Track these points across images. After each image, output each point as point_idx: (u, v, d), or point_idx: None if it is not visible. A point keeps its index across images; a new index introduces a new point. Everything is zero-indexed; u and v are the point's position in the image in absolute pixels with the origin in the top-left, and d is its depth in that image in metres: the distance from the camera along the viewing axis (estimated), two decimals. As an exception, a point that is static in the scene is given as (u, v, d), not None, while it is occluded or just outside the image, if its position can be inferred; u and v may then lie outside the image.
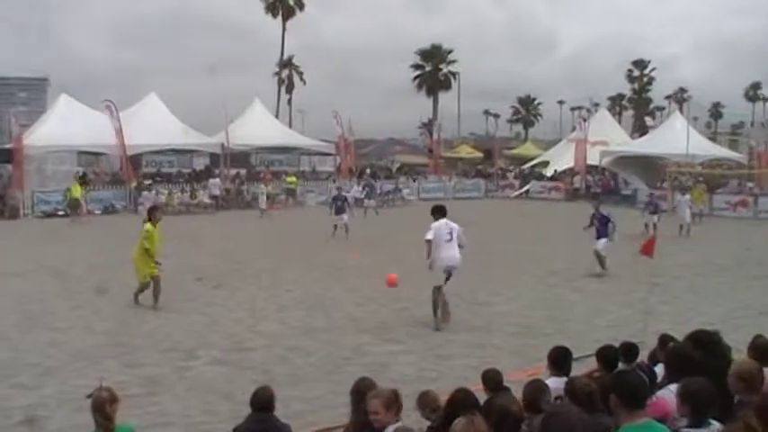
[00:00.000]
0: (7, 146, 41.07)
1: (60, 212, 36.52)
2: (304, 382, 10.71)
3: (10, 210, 35.97)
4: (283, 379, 10.67)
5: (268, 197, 40.15)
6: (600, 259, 19.78)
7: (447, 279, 14.06)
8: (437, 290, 13.99)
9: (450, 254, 13.96)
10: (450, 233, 14.03)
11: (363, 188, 40.01)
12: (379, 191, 38.39)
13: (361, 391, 5.99)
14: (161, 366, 11.54)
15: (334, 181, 47.08)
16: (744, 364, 5.36)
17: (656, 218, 28.04)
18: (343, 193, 29.71)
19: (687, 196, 31.42)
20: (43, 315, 15.07)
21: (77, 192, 35.60)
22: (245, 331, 13.73)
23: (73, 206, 35.04)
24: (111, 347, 12.58)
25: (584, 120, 57.85)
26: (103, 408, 5.54)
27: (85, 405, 5.75)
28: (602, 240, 19.98)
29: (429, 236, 14.05)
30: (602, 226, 20.11)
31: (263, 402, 6.17)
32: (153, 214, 16.93)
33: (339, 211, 27.81)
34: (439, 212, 14.52)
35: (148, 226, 16.24)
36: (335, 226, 27.32)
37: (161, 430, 8.89)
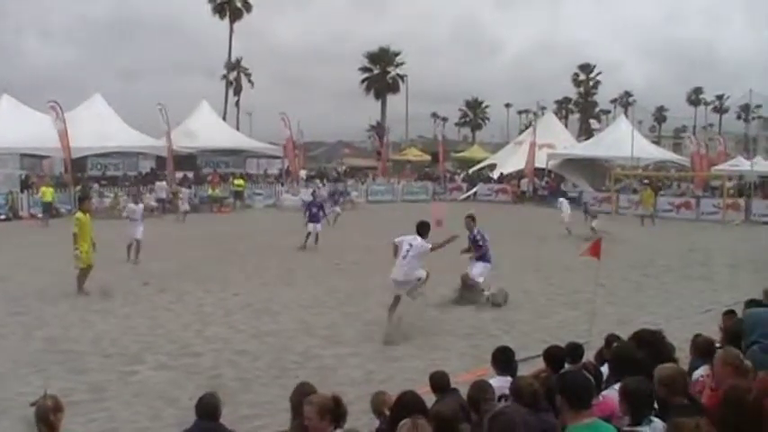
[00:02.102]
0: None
1: (2, 217, 35.84)
2: (252, 386, 10.65)
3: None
4: (231, 383, 10.62)
5: (215, 200, 39.98)
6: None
7: (398, 296, 13.82)
8: (394, 299, 13.82)
9: (396, 269, 13.81)
10: (408, 251, 13.78)
11: (332, 194, 39.61)
12: (327, 194, 37.91)
13: (302, 395, 5.97)
14: (107, 372, 11.36)
15: (282, 184, 47.01)
16: (663, 369, 5.42)
17: (594, 222, 28.94)
18: (319, 200, 28.07)
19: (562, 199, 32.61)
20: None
21: (49, 195, 35.09)
22: (192, 336, 13.59)
23: (46, 210, 34.68)
24: (55, 354, 12.36)
25: (532, 123, 58.50)
26: (47, 417, 5.44)
27: (30, 414, 5.65)
28: (481, 264, 16.68)
29: (396, 240, 14.16)
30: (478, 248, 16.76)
31: (208, 409, 6.12)
32: (83, 204, 18.91)
33: (313, 218, 26.12)
34: (422, 228, 14.24)
35: (79, 214, 17.89)
36: (308, 234, 25.72)
37: (107, 437, 8.78)
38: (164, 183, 41.67)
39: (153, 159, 47.03)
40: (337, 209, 35.02)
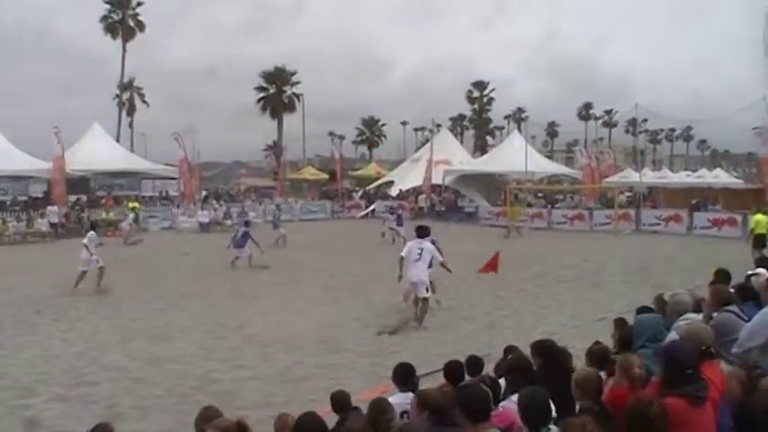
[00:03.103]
0: None
1: None
2: (152, 413, 10.43)
3: None
4: (130, 412, 10.39)
5: (109, 224, 39.04)
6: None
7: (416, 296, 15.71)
8: (413, 299, 15.80)
9: (413, 272, 15.54)
10: (420, 253, 15.59)
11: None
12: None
13: (206, 419, 5.87)
14: (-3, 406, 10.96)
15: (178, 206, 46.29)
16: (580, 371, 5.60)
17: (402, 230, 30.83)
18: (243, 229, 27.08)
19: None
20: None
21: None
22: (87, 365, 13.21)
23: None
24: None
25: (428, 140, 59.21)
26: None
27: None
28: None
29: (402, 253, 15.86)
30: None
31: None
32: None
33: (240, 245, 25.95)
34: (422, 231, 16.29)
35: None
36: (237, 257, 25.71)
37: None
38: (55, 207, 40.47)
39: (44, 183, 45.66)
40: (282, 230, 33.57)
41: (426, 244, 15.94)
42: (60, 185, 42.46)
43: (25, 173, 43.80)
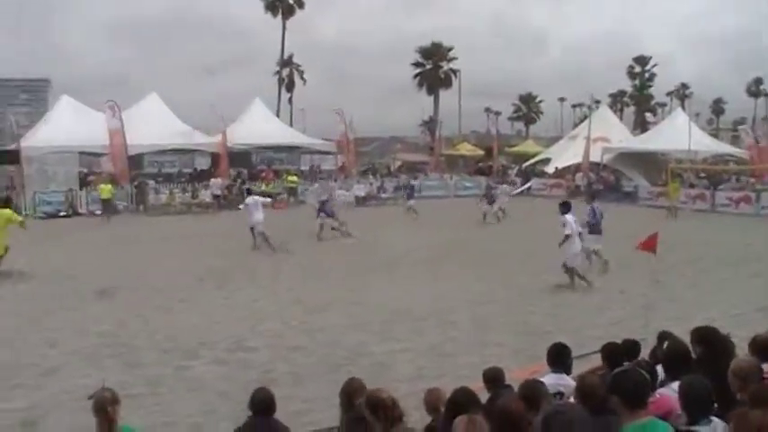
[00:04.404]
0: (9, 147, 41.14)
1: (62, 213, 36.59)
2: (304, 381, 10.69)
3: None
4: (284, 378, 10.68)
5: (270, 196, 40.27)
6: (599, 256, 19.61)
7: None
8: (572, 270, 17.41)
9: (579, 243, 17.60)
10: (577, 228, 17.53)
11: (404, 188, 39.42)
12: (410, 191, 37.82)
13: (351, 391, 5.95)
14: (162, 367, 11.53)
15: (335, 180, 47.15)
16: (739, 361, 5.31)
17: (495, 207, 31.07)
18: (323, 197, 28.93)
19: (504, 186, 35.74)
20: (43, 316, 15.07)
21: (106, 192, 35.76)
22: (246, 331, 13.70)
23: (107, 206, 35.43)
24: (112, 347, 12.58)
25: (586, 116, 57.82)
26: (105, 409, 5.50)
27: (87, 406, 5.72)
28: (593, 236, 19.53)
29: (567, 231, 17.17)
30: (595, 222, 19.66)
31: (263, 405, 6.03)
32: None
33: (324, 212, 27.38)
34: (565, 207, 17.72)
35: (8, 211, 20.73)
36: (322, 225, 26.96)
37: (163, 430, 8.87)
38: (218, 180, 42.09)
39: (208, 156, 47.49)
40: (411, 202, 35.19)
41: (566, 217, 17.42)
42: (223, 159, 44.08)
43: (191, 147, 45.72)
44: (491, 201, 31.83)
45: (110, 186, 36.74)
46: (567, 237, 17.10)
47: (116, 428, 5.55)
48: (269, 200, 26.66)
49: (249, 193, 27.40)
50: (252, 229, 24.07)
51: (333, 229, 27.03)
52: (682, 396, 4.90)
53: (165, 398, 10.11)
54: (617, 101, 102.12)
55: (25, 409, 9.68)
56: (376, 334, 13.45)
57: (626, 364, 6.82)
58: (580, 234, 17.49)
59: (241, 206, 24.74)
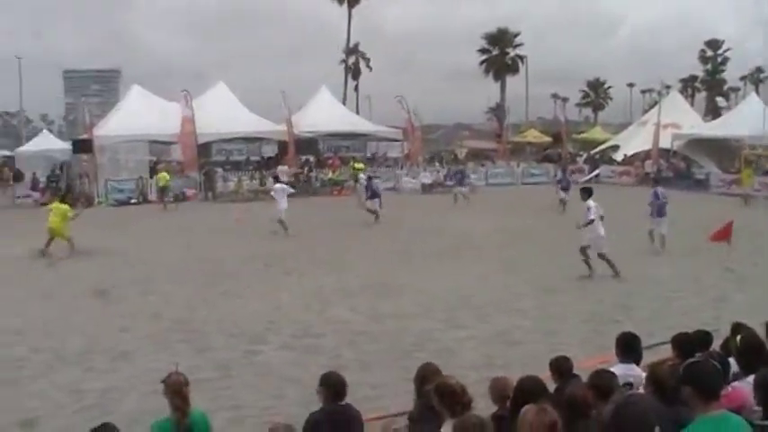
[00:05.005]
0: (82, 136, 42.12)
1: (133, 201, 37.36)
2: (373, 367, 10.74)
3: (85, 198, 36.95)
4: (352, 364, 10.72)
5: (335, 183, 40.59)
6: (652, 237, 20.34)
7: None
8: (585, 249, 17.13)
9: (602, 228, 17.14)
10: (600, 211, 17.26)
11: (454, 175, 39.74)
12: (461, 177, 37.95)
13: (425, 377, 5.95)
14: (231, 352, 11.70)
15: (401, 167, 47.16)
16: None
17: (567, 194, 30.54)
18: (375, 181, 30.51)
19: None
20: (116, 301, 15.44)
21: (163, 180, 36.40)
22: (313, 317, 13.83)
23: (163, 194, 36.06)
24: (181, 333, 12.82)
25: (656, 102, 56.72)
26: (181, 391, 5.61)
27: (159, 389, 5.84)
28: (657, 219, 20.39)
29: (592, 215, 16.91)
30: (661, 205, 20.39)
31: (336, 389, 6.05)
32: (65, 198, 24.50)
33: (374, 195, 28.42)
34: (588, 193, 17.67)
35: (64, 207, 22.06)
36: (371, 210, 27.92)
37: (232, 413, 8.99)
38: (285, 167, 42.44)
39: (275, 144, 47.93)
40: (463, 189, 35.56)
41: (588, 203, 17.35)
42: (290, 147, 44.41)
43: (258, 134, 46.14)
44: (566, 188, 31.41)
45: (166, 174, 37.35)
46: (591, 222, 16.93)
47: (189, 411, 5.66)
48: (293, 190, 27.83)
49: (277, 181, 29.37)
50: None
51: (368, 210, 27.96)
52: (757, 390, 4.79)
53: (234, 382, 10.25)
54: (688, 86, 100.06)
55: (99, 391, 9.92)
56: (442, 321, 13.44)
57: (697, 355, 6.69)
58: (602, 219, 17.25)
59: (272, 192, 26.05)
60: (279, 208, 24.85)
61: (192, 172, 41.02)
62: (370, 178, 30.37)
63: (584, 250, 17.14)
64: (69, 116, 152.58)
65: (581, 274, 16.95)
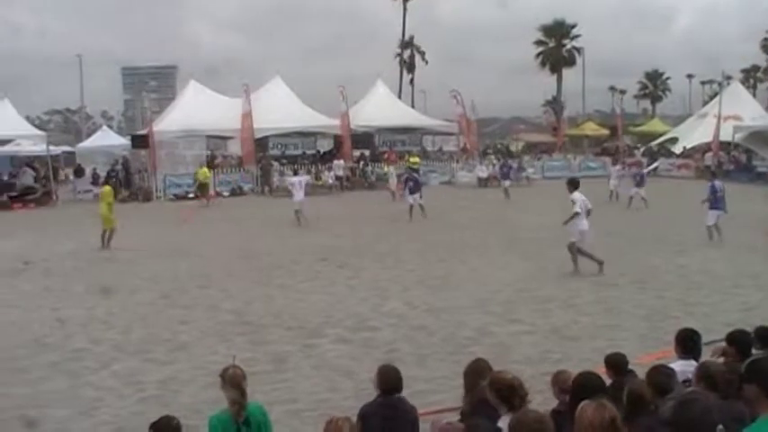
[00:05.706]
0: (140, 132, 42.78)
1: (191, 195, 37.84)
2: (428, 361, 10.73)
3: (144, 193, 37.55)
4: (408, 357, 10.73)
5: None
6: (709, 232, 20.20)
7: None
8: (573, 245, 16.78)
9: (587, 223, 16.83)
10: (586, 204, 16.86)
11: (501, 168, 39.85)
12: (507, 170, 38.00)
13: (476, 372, 5.93)
14: (288, 344, 11.79)
15: (457, 161, 47.00)
16: None
17: (642, 191, 29.90)
18: (414, 174, 30.70)
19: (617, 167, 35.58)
20: (175, 293, 15.68)
21: (203, 175, 36.77)
22: (369, 311, 13.87)
23: (202, 190, 36.31)
24: (239, 326, 12.96)
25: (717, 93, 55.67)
26: (240, 383, 5.67)
27: (216, 381, 5.91)
28: (713, 212, 20.34)
29: (577, 209, 16.60)
30: (715, 198, 20.43)
31: (391, 382, 6.07)
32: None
33: (413, 191, 28.19)
34: (574, 185, 17.29)
35: (107, 188, 23.30)
36: (411, 206, 27.68)
37: (288, 406, 9.05)
38: (341, 161, 42.62)
39: (331, 138, 48.10)
40: (506, 182, 36.06)
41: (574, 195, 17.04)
42: (346, 141, 44.56)
43: (313, 129, 46.38)
44: (639, 183, 30.74)
45: (206, 170, 37.72)
46: (576, 215, 16.62)
47: (246, 405, 5.71)
48: (310, 181, 29.50)
49: (295, 173, 30.76)
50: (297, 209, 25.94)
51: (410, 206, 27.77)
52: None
53: (290, 375, 10.32)
54: (750, 76, 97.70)
55: (158, 382, 10.09)
56: (498, 315, 13.37)
57: (755, 352, 6.53)
58: (588, 213, 16.94)
59: (288, 185, 27.60)
60: (295, 200, 25.85)
61: (250, 166, 41.39)
62: (413, 172, 30.82)
63: (572, 246, 16.91)
64: (128, 112, 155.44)
65: (640, 268, 16.73)
